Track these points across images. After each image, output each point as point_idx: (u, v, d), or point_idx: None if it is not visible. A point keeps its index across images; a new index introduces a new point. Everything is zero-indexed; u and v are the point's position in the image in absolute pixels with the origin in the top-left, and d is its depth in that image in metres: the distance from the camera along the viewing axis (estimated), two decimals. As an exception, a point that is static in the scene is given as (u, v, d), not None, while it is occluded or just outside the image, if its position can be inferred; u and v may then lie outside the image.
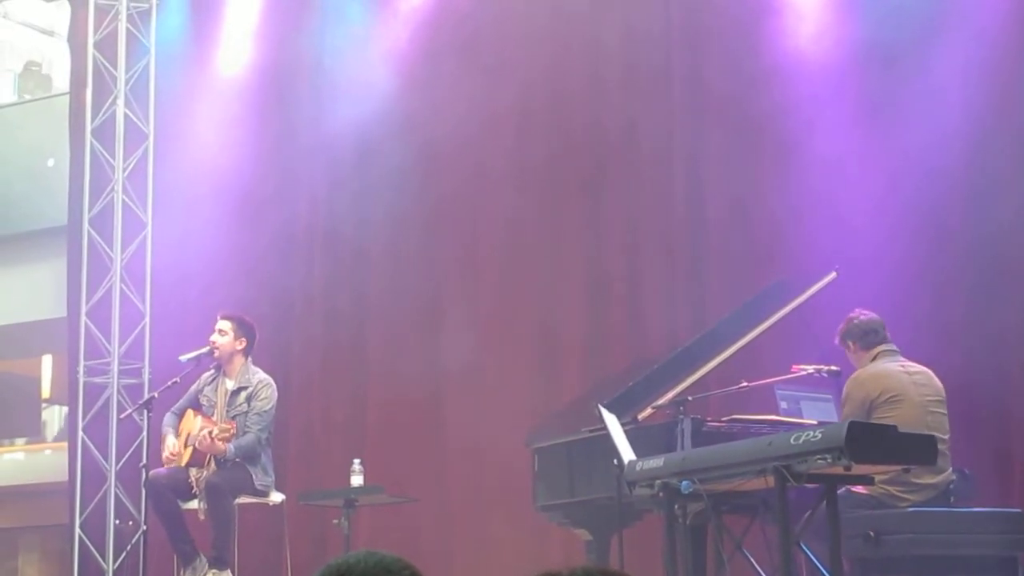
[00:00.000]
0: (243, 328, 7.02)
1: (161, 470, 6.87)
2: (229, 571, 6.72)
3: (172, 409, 7.08)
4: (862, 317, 5.61)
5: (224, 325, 7.00)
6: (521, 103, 7.87)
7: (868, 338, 5.58)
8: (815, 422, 5.38)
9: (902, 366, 5.52)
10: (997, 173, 6.56)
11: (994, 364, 6.32)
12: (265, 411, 6.89)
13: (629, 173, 7.59)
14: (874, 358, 5.55)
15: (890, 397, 5.38)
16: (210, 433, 6.64)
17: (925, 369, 5.57)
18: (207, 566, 6.74)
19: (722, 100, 7.29)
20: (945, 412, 5.49)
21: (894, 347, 5.59)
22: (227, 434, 6.64)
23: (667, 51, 7.51)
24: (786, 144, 7.01)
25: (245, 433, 6.82)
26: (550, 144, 7.80)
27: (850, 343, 5.62)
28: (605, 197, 7.64)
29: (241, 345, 6.99)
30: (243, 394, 6.92)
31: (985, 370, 6.29)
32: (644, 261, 7.45)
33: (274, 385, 7.00)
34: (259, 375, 7.00)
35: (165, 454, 6.91)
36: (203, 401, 7.02)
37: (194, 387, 7.08)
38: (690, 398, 5.37)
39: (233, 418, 6.84)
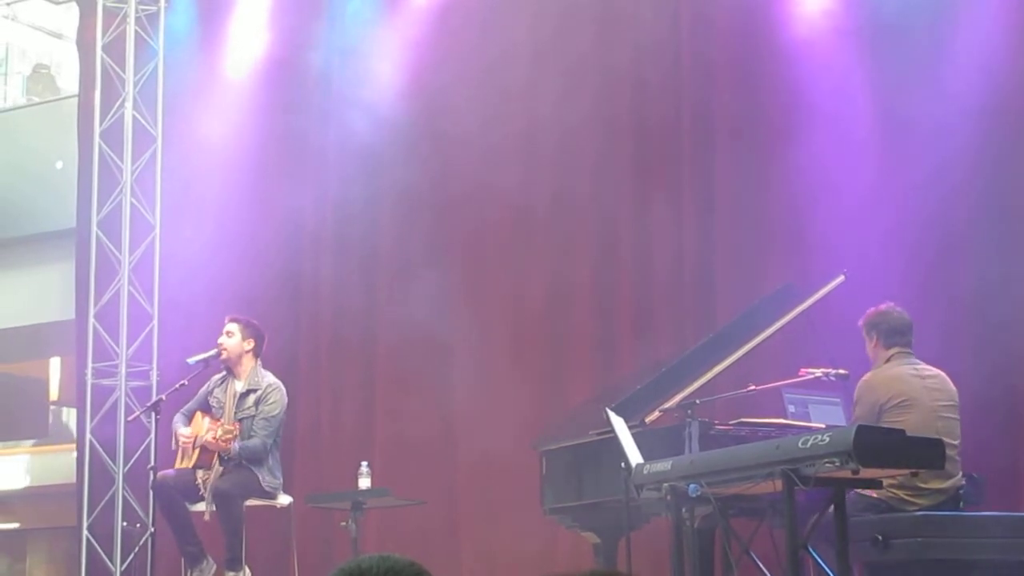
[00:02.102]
0: (250, 329, 7.04)
1: (168, 472, 6.88)
2: (245, 569, 6.73)
3: (181, 411, 7.10)
4: (896, 313, 5.56)
5: (231, 327, 7.02)
6: (528, 102, 7.86)
7: (893, 337, 5.53)
8: (823, 426, 5.36)
9: (915, 370, 5.50)
10: (1006, 170, 6.53)
11: (1004, 367, 6.30)
12: (272, 416, 6.89)
13: (637, 175, 7.57)
14: (889, 359, 5.52)
15: (900, 402, 5.36)
16: (214, 435, 6.67)
17: (939, 372, 5.53)
18: (215, 567, 6.76)
19: (731, 94, 7.28)
20: (957, 417, 5.47)
21: (910, 350, 5.56)
22: (230, 435, 6.66)
23: (676, 53, 7.50)
24: (795, 146, 7.00)
25: (251, 437, 6.83)
26: (558, 143, 7.79)
27: (875, 335, 5.58)
28: (613, 201, 7.63)
29: (249, 346, 7.01)
30: (252, 397, 6.93)
31: (994, 373, 6.27)
32: (652, 264, 7.44)
33: (283, 389, 7.01)
34: (268, 378, 7.01)
35: (181, 442, 6.91)
36: (212, 403, 7.04)
37: (203, 389, 7.10)
38: (698, 401, 5.36)
39: (240, 420, 6.85)
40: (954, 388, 5.51)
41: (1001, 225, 6.50)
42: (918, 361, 5.54)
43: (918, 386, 5.43)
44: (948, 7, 6.73)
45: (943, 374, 5.53)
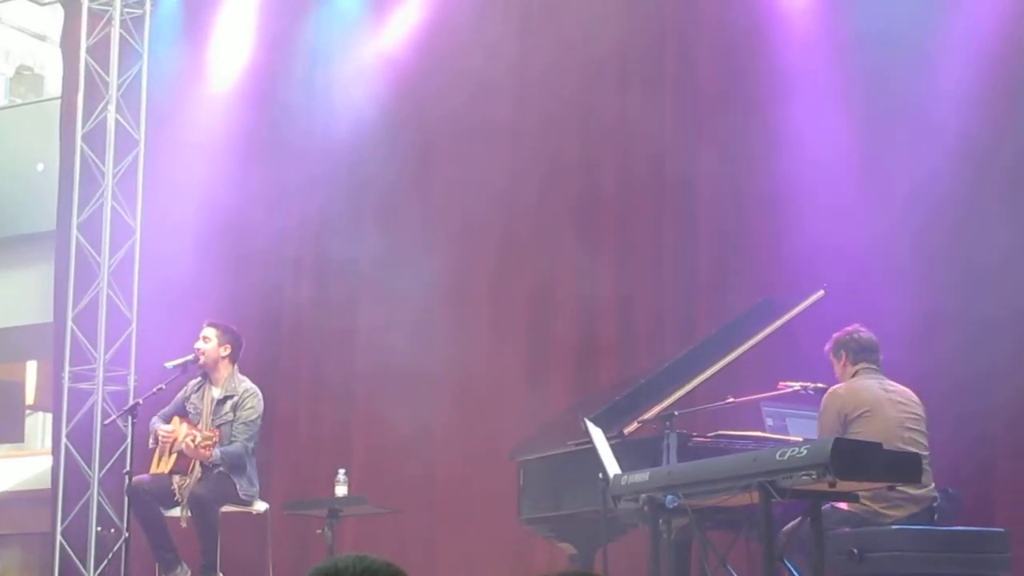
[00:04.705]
0: (228, 335, 7.00)
1: (144, 477, 6.84)
2: (220, 575, 6.70)
3: (158, 414, 7.06)
4: (864, 333, 5.62)
5: (208, 332, 6.99)
6: (514, 112, 7.88)
7: (861, 355, 5.59)
8: (801, 439, 5.38)
9: (880, 383, 5.54)
10: (990, 183, 6.54)
11: (980, 383, 6.33)
12: (251, 421, 6.87)
13: (621, 189, 7.59)
14: (855, 374, 5.57)
15: (864, 412, 5.40)
16: (193, 440, 6.63)
17: (905, 388, 5.58)
18: (190, 573, 6.73)
19: (716, 108, 7.30)
20: (923, 430, 5.50)
21: (878, 367, 5.60)
22: (210, 442, 6.63)
23: (660, 63, 7.52)
24: (777, 161, 7.02)
25: (232, 442, 6.81)
26: (543, 156, 7.80)
27: (844, 354, 5.61)
28: (597, 213, 7.64)
29: (226, 352, 6.98)
30: (229, 403, 6.90)
31: (970, 389, 6.29)
32: (634, 275, 7.46)
33: (260, 395, 6.98)
34: (245, 384, 6.99)
35: (162, 435, 6.87)
36: (189, 408, 7.00)
37: (180, 394, 7.07)
38: (676, 413, 5.38)
39: (219, 427, 6.83)
40: (920, 403, 5.54)
41: (979, 246, 6.52)
42: (884, 377, 5.58)
43: (882, 398, 5.46)
44: (935, 21, 6.74)
45: (908, 390, 5.58)
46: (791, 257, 6.75)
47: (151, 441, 6.99)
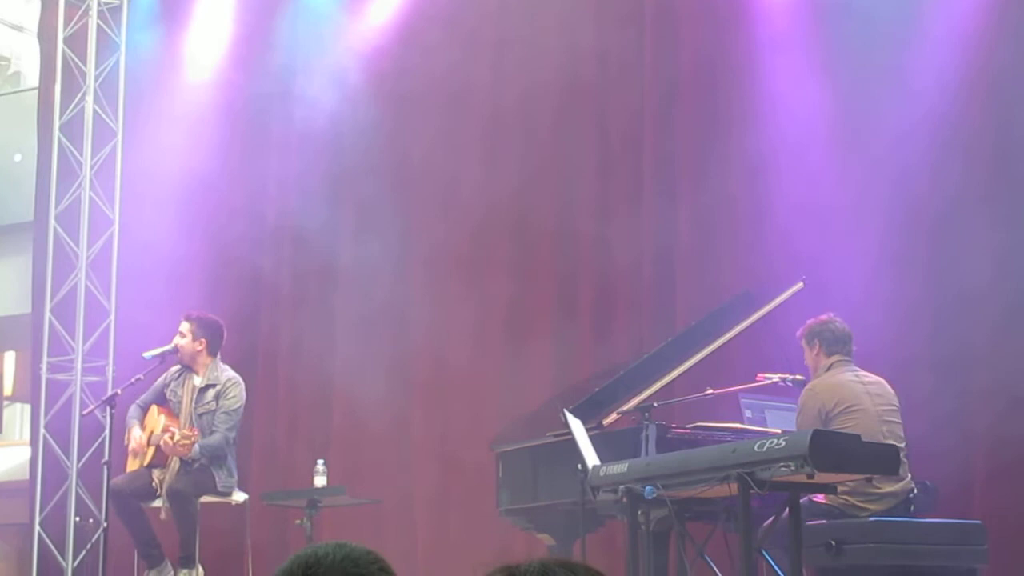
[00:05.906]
0: (203, 329, 6.96)
1: (121, 477, 6.82)
2: (198, 567, 6.69)
3: (137, 402, 7.05)
4: (838, 323, 5.64)
5: (183, 327, 6.97)
6: (491, 107, 7.87)
7: (835, 346, 5.60)
8: (779, 431, 5.40)
9: (856, 375, 5.56)
10: (973, 172, 6.56)
11: (958, 378, 6.36)
12: (233, 410, 6.86)
13: (600, 184, 7.59)
14: (830, 367, 5.58)
15: (845, 408, 5.41)
16: (171, 438, 6.60)
17: (878, 379, 5.60)
18: (172, 570, 6.72)
19: (693, 104, 7.31)
20: (899, 421, 5.53)
21: (851, 359, 5.62)
22: (188, 441, 6.58)
23: (640, 70, 7.52)
24: (756, 153, 7.03)
25: (213, 432, 6.79)
26: (521, 150, 7.80)
27: (818, 343, 5.63)
28: (575, 208, 7.64)
29: (201, 346, 6.95)
30: (211, 392, 6.89)
31: (948, 383, 6.32)
32: (613, 268, 7.46)
33: (242, 384, 6.98)
34: (227, 373, 6.97)
35: (132, 445, 6.87)
36: (170, 396, 6.99)
37: (160, 380, 7.04)
38: (655, 404, 5.39)
39: (201, 415, 6.82)
40: (893, 392, 5.57)
41: (958, 238, 6.55)
42: (858, 368, 5.60)
43: (860, 392, 5.48)
44: (913, 25, 6.75)
45: (882, 380, 5.60)
46: (771, 250, 6.75)
47: (126, 438, 6.96)
